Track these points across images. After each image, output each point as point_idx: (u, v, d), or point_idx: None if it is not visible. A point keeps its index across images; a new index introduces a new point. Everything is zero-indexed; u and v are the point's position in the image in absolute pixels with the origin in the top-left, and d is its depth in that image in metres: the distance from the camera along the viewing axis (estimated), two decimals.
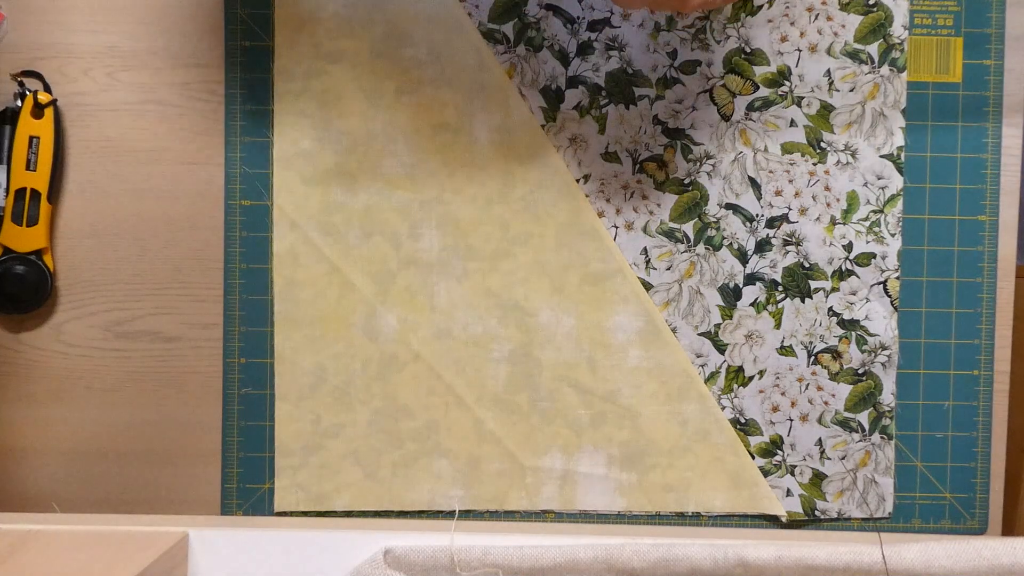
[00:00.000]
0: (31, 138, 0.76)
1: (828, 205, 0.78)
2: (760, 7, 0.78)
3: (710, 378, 0.79)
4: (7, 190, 0.76)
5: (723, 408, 0.79)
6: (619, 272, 0.78)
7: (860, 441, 0.79)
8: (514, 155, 0.78)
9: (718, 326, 0.79)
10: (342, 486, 0.79)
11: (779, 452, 0.79)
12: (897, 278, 0.78)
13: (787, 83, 0.78)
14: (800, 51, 0.78)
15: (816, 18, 0.78)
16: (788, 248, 0.78)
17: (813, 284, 0.78)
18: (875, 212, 0.78)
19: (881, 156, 0.78)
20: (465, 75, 0.78)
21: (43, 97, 0.77)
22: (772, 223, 0.78)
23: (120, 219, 0.79)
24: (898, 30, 0.78)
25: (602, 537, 0.73)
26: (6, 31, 0.78)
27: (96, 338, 0.79)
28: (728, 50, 0.78)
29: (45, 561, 0.67)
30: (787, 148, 0.78)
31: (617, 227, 0.78)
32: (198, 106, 0.78)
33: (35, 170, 0.76)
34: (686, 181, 0.78)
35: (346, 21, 0.78)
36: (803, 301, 0.78)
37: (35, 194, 0.76)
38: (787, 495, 0.79)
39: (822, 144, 0.78)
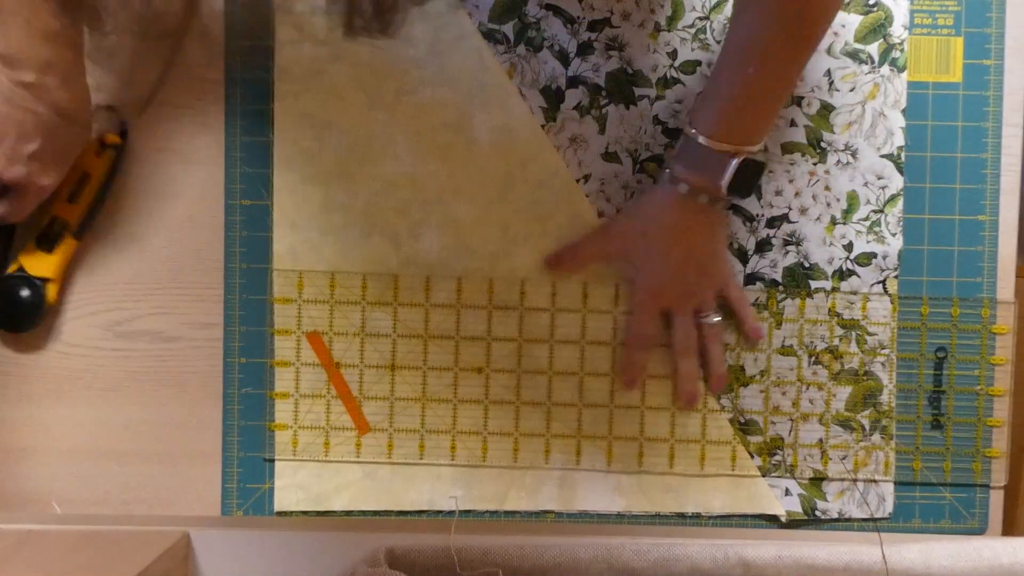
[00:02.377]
0: (84, 173, 0.75)
1: (828, 205, 0.78)
2: None
3: None
4: (45, 214, 0.76)
5: (723, 408, 0.79)
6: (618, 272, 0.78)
7: (860, 441, 0.79)
8: (514, 155, 0.78)
9: None
10: (342, 486, 0.79)
11: (779, 452, 0.79)
12: (896, 277, 0.78)
13: None
14: None
15: None
16: (788, 248, 0.78)
17: (813, 284, 0.78)
18: (875, 212, 0.78)
19: (881, 156, 0.78)
20: (465, 75, 0.78)
21: (110, 138, 0.76)
22: (772, 223, 0.78)
23: (120, 219, 0.79)
24: (898, 30, 0.78)
25: (602, 537, 0.73)
26: None
27: (96, 338, 0.79)
28: None
29: (45, 561, 0.67)
30: (787, 148, 0.78)
31: None
32: (198, 106, 0.78)
33: (75, 203, 0.76)
34: None
35: None
36: (803, 301, 0.78)
37: (65, 225, 0.76)
38: (787, 495, 0.79)
39: (822, 144, 0.78)
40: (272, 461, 0.78)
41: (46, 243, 0.76)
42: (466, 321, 0.78)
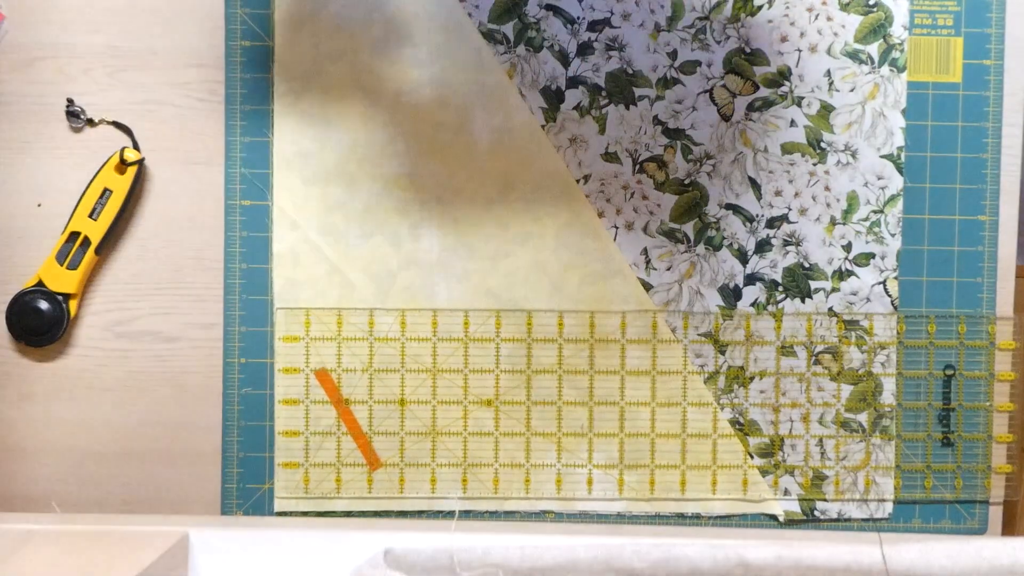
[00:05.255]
0: (105, 189, 0.76)
1: (828, 205, 0.78)
2: (760, 7, 0.78)
3: (710, 378, 0.79)
4: (63, 229, 0.76)
5: (723, 408, 0.79)
6: (619, 272, 0.78)
7: (860, 441, 0.79)
8: (514, 155, 0.78)
9: (718, 326, 0.79)
10: (342, 486, 0.79)
11: (779, 452, 0.79)
12: (896, 278, 0.78)
13: (787, 83, 0.78)
14: (800, 51, 0.78)
15: (816, 18, 0.78)
16: (788, 248, 0.78)
17: (813, 284, 0.78)
18: (875, 212, 0.78)
19: (881, 156, 0.78)
20: (465, 75, 0.78)
21: (131, 155, 0.76)
22: (772, 223, 0.78)
23: (120, 219, 0.78)
24: (898, 30, 0.78)
25: (602, 537, 0.73)
26: (6, 31, 0.78)
27: (96, 338, 0.79)
28: (728, 50, 0.78)
29: (45, 561, 0.67)
30: (787, 148, 0.78)
31: (617, 227, 0.78)
32: (198, 106, 0.78)
33: (96, 219, 0.76)
34: (686, 181, 0.78)
35: (346, 21, 0.78)
36: (803, 301, 0.78)
37: (86, 241, 0.76)
38: (786, 495, 0.79)
39: (822, 144, 0.78)
40: (284, 503, 0.78)
41: (69, 260, 0.76)
42: (474, 354, 0.78)
